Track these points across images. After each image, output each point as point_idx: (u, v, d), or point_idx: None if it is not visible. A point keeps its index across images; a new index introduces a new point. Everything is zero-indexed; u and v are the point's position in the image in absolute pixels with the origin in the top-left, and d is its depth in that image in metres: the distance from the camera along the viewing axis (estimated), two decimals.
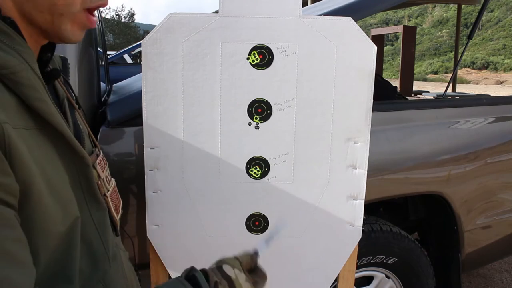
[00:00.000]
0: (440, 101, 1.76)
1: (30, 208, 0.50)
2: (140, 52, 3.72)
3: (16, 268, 0.44)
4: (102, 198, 0.67)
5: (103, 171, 0.76)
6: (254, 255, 0.77)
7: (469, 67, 32.86)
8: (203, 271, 0.67)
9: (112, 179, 0.87)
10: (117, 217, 0.75)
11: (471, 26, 3.34)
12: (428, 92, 5.82)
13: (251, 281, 0.71)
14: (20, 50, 0.54)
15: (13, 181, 0.47)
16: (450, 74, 4.96)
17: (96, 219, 0.63)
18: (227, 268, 0.69)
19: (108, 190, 0.79)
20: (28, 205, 0.50)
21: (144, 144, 0.99)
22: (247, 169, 1.04)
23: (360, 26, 1.01)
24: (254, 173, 1.04)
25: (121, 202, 0.79)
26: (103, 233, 0.64)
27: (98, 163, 0.74)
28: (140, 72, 1.02)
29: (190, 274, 0.65)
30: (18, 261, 0.45)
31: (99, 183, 0.71)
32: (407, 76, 6.99)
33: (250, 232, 1.07)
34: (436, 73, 33.79)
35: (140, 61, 1.03)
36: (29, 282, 0.45)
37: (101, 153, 0.80)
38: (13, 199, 0.47)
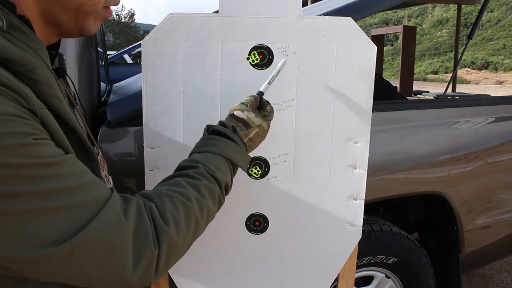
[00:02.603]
0: (440, 101, 1.76)
1: None
2: (140, 52, 3.72)
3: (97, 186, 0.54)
4: None
5: (102, 170, 0.76)
6: (258, 95, 0.88)
7: (469, 67, 32.85)
8: (220, 122, 0.79)
9: (109, 177, 0.87)
10: None
11: (471, 26, 3.34)
12: (428, 92, 5.81)
13: (261, 116, 0.83)
14: (36, 47, 0.55)
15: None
16: (450, 74, 4.96)
17: None
18: (237, 113, 0.81)
19: None
20: None
21: (144, 144, 0.99)
22: (247, 169, 1.04)
23: (360, 26, 1.01)
24: (254, 173, 1.04)
25: None
26: None
27: None
28: (140, 72, 1.02)
29: (211, 130, 0.77)
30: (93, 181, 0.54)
31: None
32: (407, 76, 6.98)
33: (250, 232, 1.07)
34: (436, 73, 33.78)
35: (140, 61, 1.03)
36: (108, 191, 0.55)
37: (100, 153, 0.80)
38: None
